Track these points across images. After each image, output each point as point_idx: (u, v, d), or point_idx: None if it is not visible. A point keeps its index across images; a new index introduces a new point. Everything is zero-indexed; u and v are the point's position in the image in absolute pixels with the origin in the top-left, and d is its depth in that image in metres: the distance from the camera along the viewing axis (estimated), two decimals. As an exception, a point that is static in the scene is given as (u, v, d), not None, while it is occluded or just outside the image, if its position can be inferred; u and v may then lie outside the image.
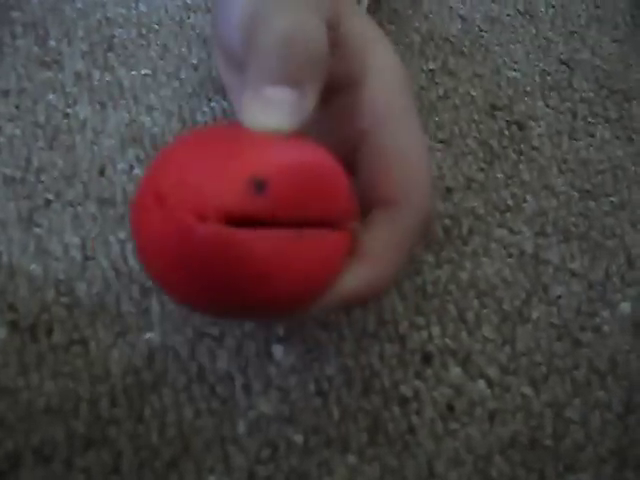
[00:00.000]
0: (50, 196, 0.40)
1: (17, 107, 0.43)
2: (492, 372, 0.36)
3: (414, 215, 0.30)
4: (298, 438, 0.34)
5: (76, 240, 0.38)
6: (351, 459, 0.33)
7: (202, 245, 0.25)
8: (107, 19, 0.48)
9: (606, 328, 0.38)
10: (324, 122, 0.32)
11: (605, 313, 0.39)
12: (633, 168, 0.44)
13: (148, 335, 0.36)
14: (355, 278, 0.29)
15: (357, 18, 0.33)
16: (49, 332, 0.35)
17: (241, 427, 0.34)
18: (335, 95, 0.32)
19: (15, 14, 0.48)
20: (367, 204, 0.31)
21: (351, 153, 0.32)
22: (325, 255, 0.27)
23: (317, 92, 0.28)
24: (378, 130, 0.31)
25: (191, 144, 0.28)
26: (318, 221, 0.27)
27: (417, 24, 0.49)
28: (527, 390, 0.36)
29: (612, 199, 0.43)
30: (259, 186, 0.25)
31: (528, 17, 0.51)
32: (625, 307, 0.39)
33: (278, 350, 0.36)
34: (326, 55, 0.28)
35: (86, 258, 0.38)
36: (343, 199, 0.28)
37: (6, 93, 0.44)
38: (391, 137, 0.31)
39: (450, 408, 0.35)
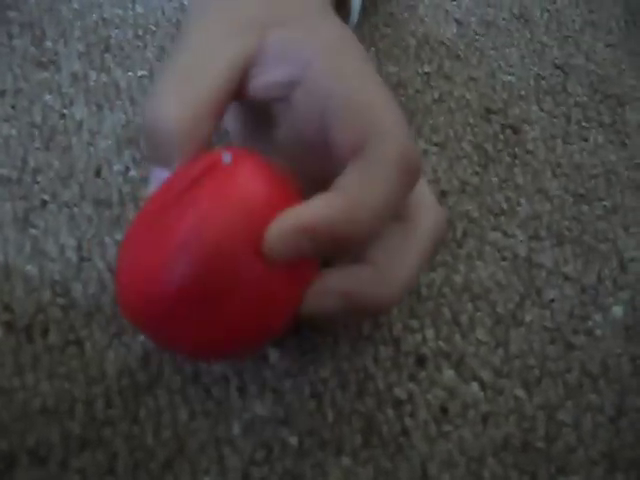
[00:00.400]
0: (46, 197, 0.40)
1: (13, 107, 0.43)
2: (485, 375, 0.37)
3: (387, 148, 0.28)
4: (293, 440, 0.34)
5: (72, 241, 0.38)
6: (345, 461, 0.34)
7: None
8: (104, 20, 0.48)
9: (598, 332, 0.38)
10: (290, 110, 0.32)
11: (597, 317, 0.39)
12: (626, 173, 0.45)
13: (143, 337, 0.36)
14: (323, 205, 0.27)
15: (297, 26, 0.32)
16: (45, 333, 0.36)
17: (236, 429, 0.34)
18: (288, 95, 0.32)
19: (12, 14, 0.48)
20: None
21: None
22: None
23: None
24: (323, 84, 0.30)
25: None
26: None
27: (413, 27, 0.49)
28: (520, 393, 0.36)
29: (605, 203, 0.43)
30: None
31: (523, 21, 0.52)
32: (617, 311, 0.39)
33: (273, 353, 0.36)
34: (182, 135, 0.29)
35: (82, 259, 0.38)
36: None
37: (2, 93, 0.44)
38: (338, 83, 0.30)
39: (444, 410, 0.36)
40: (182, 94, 0.30)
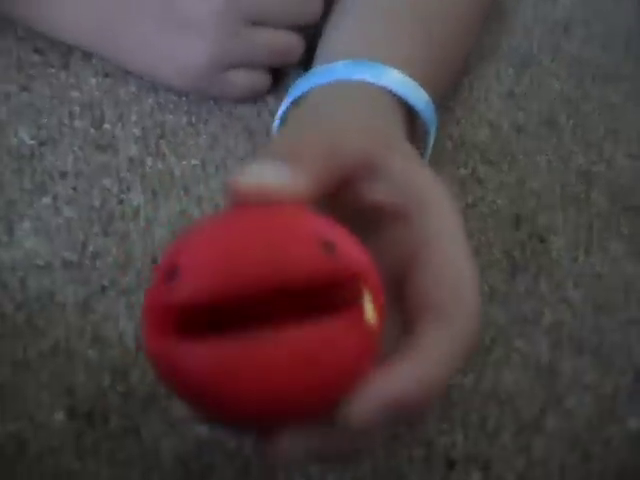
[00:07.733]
0: (105, 282, 0.43)
1: (74, 189, 0.46)
2: (510, 479, 0.39)
3: (466, 323, 0.31)
4: (334, 536, 0.37)
5: (130, 328, 0.41)
6: None
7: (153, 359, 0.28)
8: (159, 104, 0.51)
9: (615, 442, 0.41)
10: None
11: (614, 427, 0.42)
12: (643, 285, 0.48)
13: (197, 427, 0.38)
14: (403, 377, 0.28)
15: (400, 154, 0.35)
16: (105, 419, 0.38)
17: (282, 522, 0.37)
18: (383, 226, 0.34)
19: (74, 94, 0.51)
20: (416, 313, 0.31)
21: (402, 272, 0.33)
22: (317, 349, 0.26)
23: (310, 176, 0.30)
24: (431, 245, 0.32)
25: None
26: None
27: (450, 130, 0.53)
28: (541, 498, 0.39)
29: (622, 315, 0.46)
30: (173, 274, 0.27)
31: (551, 126, 0.55)
32: (633, 422, 0.42)
33: (317, 450, 0.38)
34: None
35: (140, 347, 0.41)
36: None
37: (64, 175, 0.47)
38: (444, 253, 0.32)
39: (472, 512, 0.38)
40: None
